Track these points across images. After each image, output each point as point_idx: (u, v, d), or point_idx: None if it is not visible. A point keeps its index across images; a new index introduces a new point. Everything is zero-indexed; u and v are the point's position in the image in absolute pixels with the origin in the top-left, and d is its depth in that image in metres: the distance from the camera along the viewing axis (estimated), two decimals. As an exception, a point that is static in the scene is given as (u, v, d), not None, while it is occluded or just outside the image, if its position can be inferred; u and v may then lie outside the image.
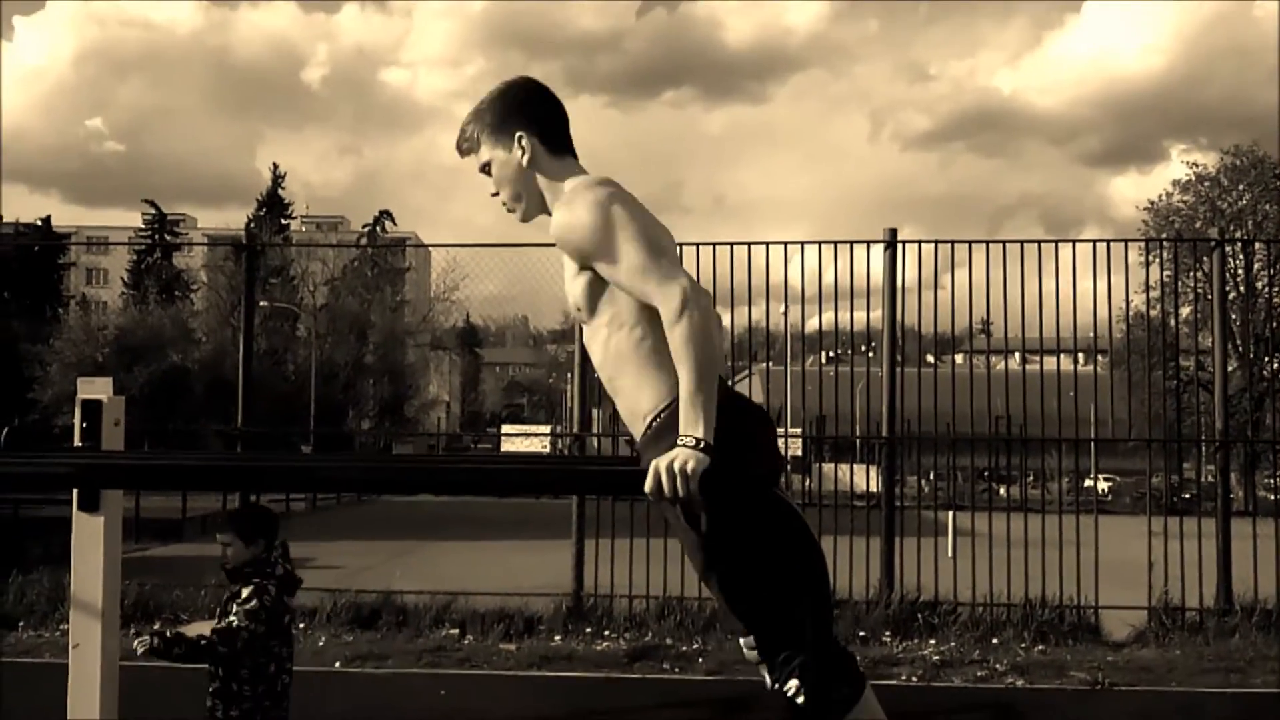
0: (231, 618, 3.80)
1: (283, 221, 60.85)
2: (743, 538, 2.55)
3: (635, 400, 2.65)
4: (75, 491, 3.44)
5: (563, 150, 2.74)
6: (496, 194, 2.78)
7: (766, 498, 2.58)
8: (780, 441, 9.96)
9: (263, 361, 34.79)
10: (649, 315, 2.57)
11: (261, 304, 36.10)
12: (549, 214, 2.73)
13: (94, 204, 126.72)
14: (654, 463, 2.36)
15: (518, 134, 2.70)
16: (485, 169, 2.76)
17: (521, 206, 2.76)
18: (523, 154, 2.70)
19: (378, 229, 65.97)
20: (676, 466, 2.33)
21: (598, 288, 2.63)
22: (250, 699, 3.84)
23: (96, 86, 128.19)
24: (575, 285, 2.66)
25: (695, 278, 2.56)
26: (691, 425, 2.40)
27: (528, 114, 2.72)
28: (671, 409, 2.55)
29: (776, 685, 2.61)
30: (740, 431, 2.53)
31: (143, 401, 32.11)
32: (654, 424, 2.61)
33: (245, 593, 3.85)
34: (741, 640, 2.67)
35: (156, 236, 63.49)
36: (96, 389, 3.67)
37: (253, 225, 51.01)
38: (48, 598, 8.47)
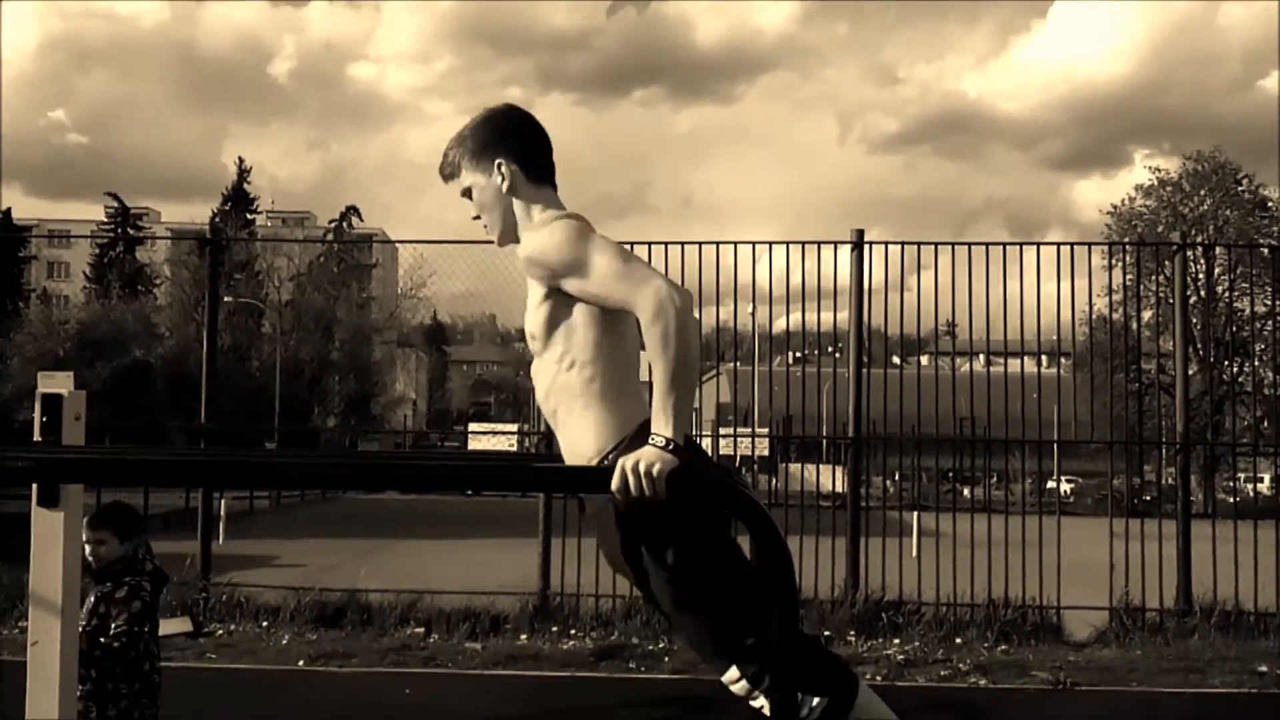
0: (119, 621, 3.81)
1: (248, 216, 60.35)
2: (713, 560, 2.55)
3: (579, 440, 2.64)
4: (35, 487, 3.39)
5: (542, 179, 2.75)
6: (478, 217, 2.79)
7: (722, 513, 2.60)
8: (747, 441, 9.91)
9: (227, 357, 34.53)
10: (602, 356, 2.59)
11: (226, 299, 35.84)
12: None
13: (56, 197, 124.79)
14: (620, 461, 2.35)
15: (498, 160, 2.71)
16: (466, 194, 2.78)
17: (498, 230, 2.77)
18: (502, 180, 2.72)
19: (344, 225, 65.57)
20: (643, 467, 2.32)
21: (557, 317, 2.63)
22: (127, 697, 3.87)
23: (59, 78, 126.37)
24: (536, 315, 2.65)
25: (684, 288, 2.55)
26: (662, 424, 2.40)
27: (509, 141, 2.74)
28: (615, 454, 2.55)
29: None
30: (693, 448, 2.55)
31: (105, 397, 31.76)
32: (600, 464, 2.60)
33: (122, 593, 3.88)
34: (725, 677, 2.63)
35: (119, 230, 62.80)
36: (57, 383, 3.62)
37: (217, 219, 50.54)
38: (5, 594, 8.36)
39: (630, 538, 2.59)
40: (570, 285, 2.57)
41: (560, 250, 2.56)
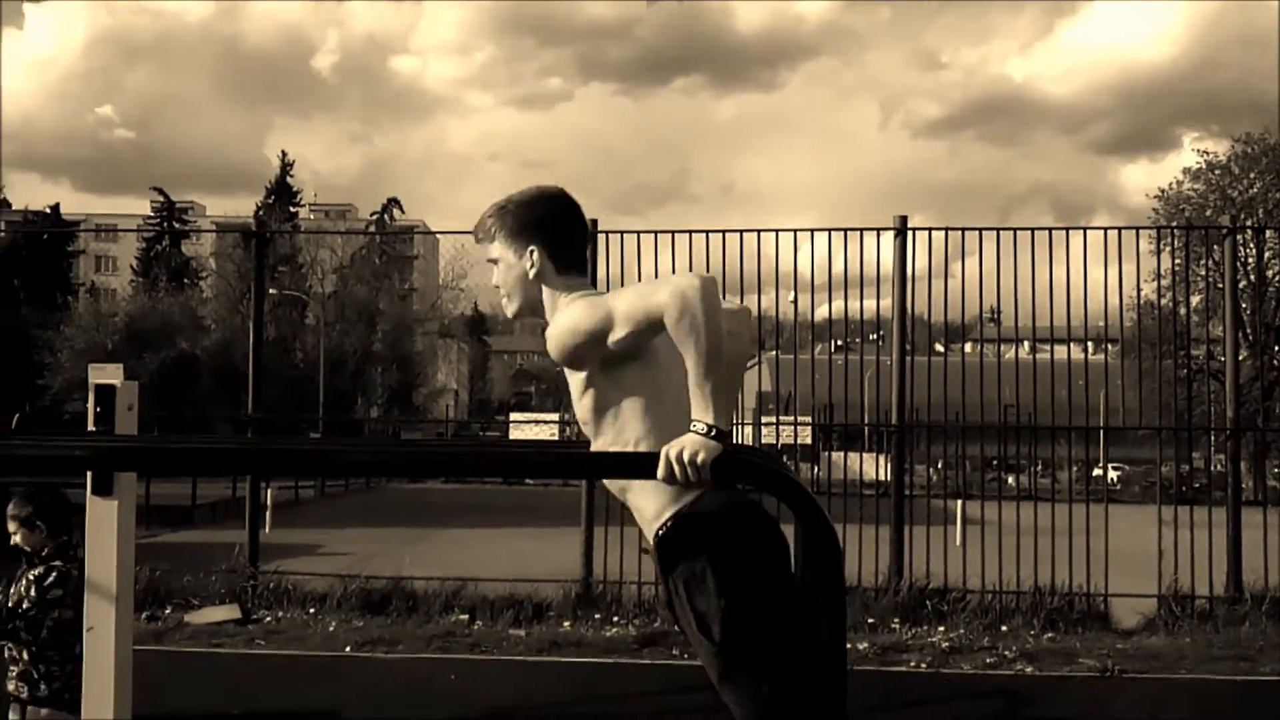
0: (27, 602, 3.94)
1: (291, 209, 60.87)
2: (758, 643, 2.54)
3: (644, 508, 2.66)
4: (89, 475, 3.45)
5: (570, 268, 2.79)
6: (496, 285, 2.86)
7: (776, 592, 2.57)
8: (789, 429, 9.82)
9: (272, 349, 34.89)
10: (655, 429, 2.59)
11: (270, 291, 36.22)
12: (540, 317, 2.80)
13: (104, 192, 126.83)
14: (664, 450, 2.36)
15: (531, 247, 2.76)
16: (493, 262, 2.85)
17: (514, 306, 2.84)
18: (531, 266, 2.77)
19: (386, 217, 65.97)
20: (687, 455, 2.33)
21: (604, 401, 2.65)
22: (59, 679, 3.98)
23: (107, 74, 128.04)
24: (583, 404, 2.68)
25: (706, 273, 2.57)
26: (702, 411, 2.40)
27: (547, 229, 2.78)
28: (677, 520, 2.58)
29: None
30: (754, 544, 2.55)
31: (152, 388, 32.19)
32: (660, 533, 2.62)
33: (50, 579, 3.97)
34: None
35: (165, 224, 63.54)
36: (108, 375, 3.68)
37: (261, 213, 51.06)
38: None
39: (670, 594, 2.61)
40: (610, 340, 2.57)
41: (585, 317, 2.60)
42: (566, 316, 2.64)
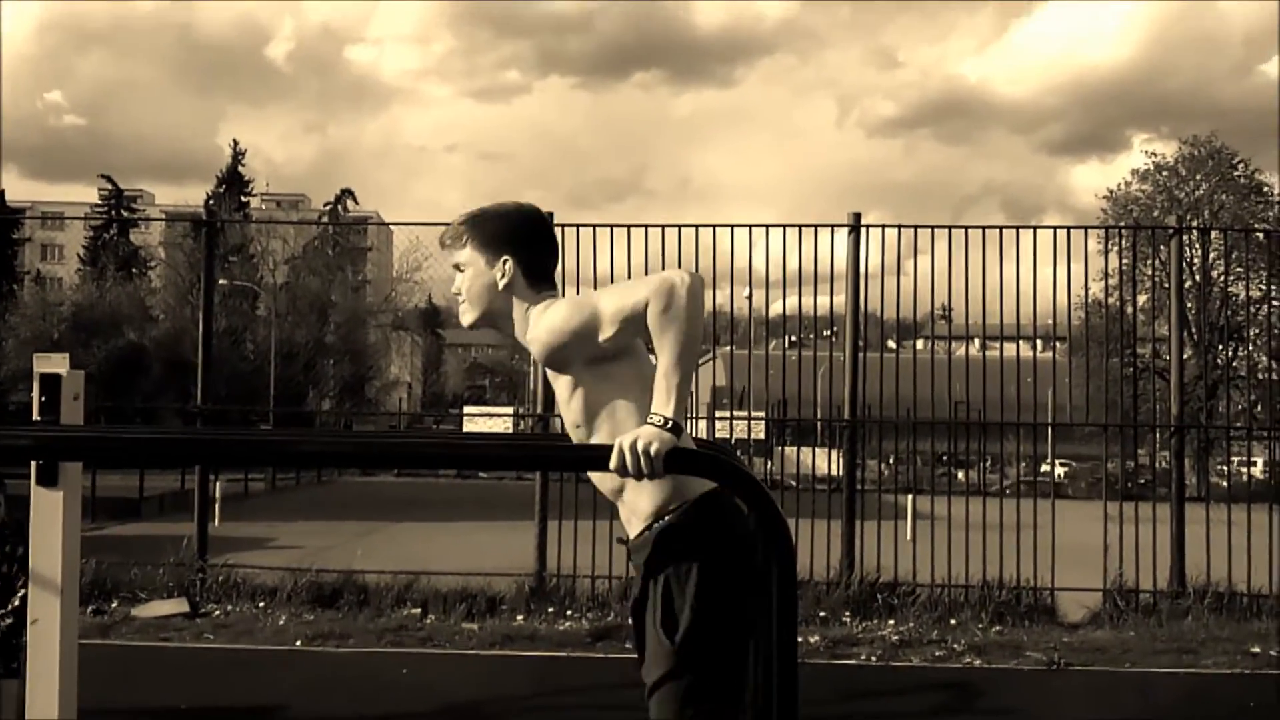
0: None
1: (243, 199, 60.13)
2: (714, 652, 2.57)
3: (636, 503, 2.65)
4: (34, 466, 3.40)
5: (540, 283, 2.78)
6: (457, 292, 2.82)
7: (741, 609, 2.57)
8: (743, 424, 9.87)
9: (222, 340, 34.45)
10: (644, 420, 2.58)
11: (221, 282, 35.74)
12: (498, 329, 2.79)
13: (52, 179, 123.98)
14: (618, 441, 2.36)
15: (504, 257, 2.75)
16: (458, 267, 2.81)
17: (474, 314, 2.80)
18: (502, 277, 2.75)
19: (340, 208, 65.34)
20: (641, 446, 2.33)
21: (593, 400, 2.64)
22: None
23: (57, 59, 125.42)
24: (572, 406, 2.66)
25: (696, 271, 2.59)
26: (663, 404, 2.41)
27: (523, 243, 2.77)
28: (679, 511, 2.58)
29: None
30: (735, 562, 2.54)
31: (99, 379, 31.72)
32: (654, 525, 2.61)
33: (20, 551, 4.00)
34: None
35: (113, 212, 62.53)
36: (53, 364, 3.63)
37: (212, 202, 50.37)
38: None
39: (645, 592, 2.62)
40: (601, 338, 2.57)
41: (571, 316, 2.60)
42: (553, 316, 2.63)
